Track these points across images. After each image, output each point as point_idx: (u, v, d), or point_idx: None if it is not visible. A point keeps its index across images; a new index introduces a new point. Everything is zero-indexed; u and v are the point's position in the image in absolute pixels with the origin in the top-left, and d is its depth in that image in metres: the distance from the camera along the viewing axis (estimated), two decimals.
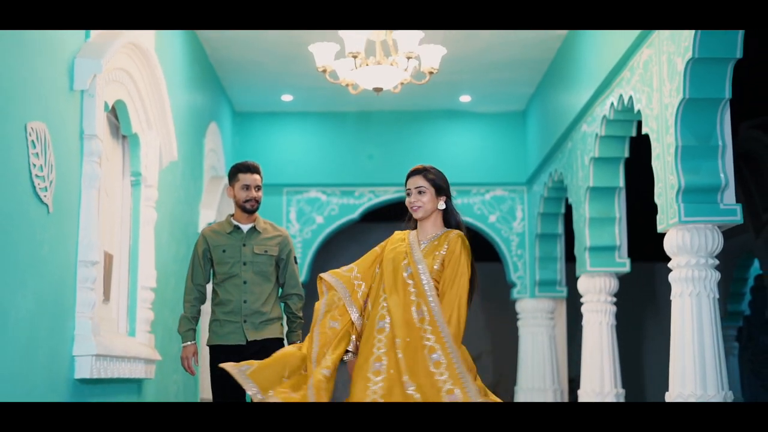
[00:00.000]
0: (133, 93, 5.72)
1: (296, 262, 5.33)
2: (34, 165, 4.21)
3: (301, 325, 5.25)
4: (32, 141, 4.18)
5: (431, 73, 6.27)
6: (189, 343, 5.13)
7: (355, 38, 5.99)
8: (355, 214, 10.36)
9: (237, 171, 5.23)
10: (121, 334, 5.87)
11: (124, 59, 5.44)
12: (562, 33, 8.13)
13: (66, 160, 4.67)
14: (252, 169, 5.22)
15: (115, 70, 5.30)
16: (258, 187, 5.21)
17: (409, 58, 6.06)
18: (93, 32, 5.03)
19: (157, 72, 5.94)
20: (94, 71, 4.80)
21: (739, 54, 5.12)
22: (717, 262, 5.40)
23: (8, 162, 3.97)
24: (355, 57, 6.02)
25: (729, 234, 11.44)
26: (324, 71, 6.31)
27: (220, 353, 5.07)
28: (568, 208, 9.27)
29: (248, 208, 5.18)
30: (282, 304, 5.29)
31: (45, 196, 4.35)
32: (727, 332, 12.84)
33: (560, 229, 9.70)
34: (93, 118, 4.91)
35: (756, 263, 12.21)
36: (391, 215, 9.82)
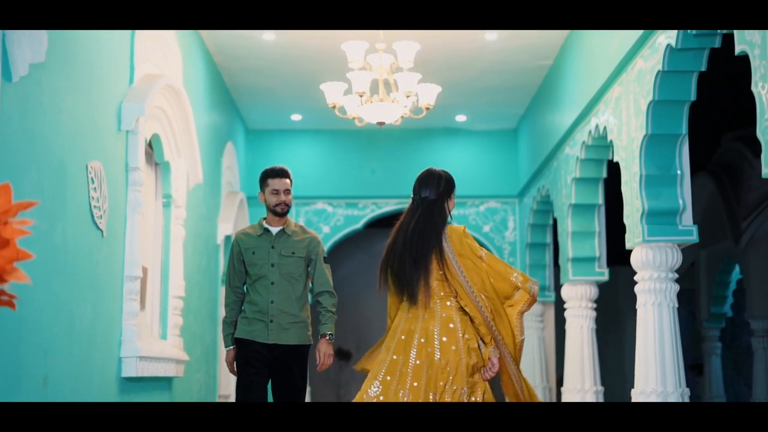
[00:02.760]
0: (166, 127, 6.52)
1: (326, 262, 5.41)
2: (93, 197, 5.02)
3: (332, 319, 5.30)
4: (91, 178, 4.99)
5: (428, 108, 7.10)
6: (231, 347, 5.34)
7: (361, 78, 6.80)
8: (359, 224, 11.16)
9: (266, 176, 5.37)
10: (155, 338, 6.67)
11: (160, 98, 6.23)
12: (549, 62, 8.92)
13: (114, 190, 5.48)
14: (281, 173, 5.35)
15: (152, 108, 6.09)
16: (287, 191, 5.34)
17: (408, 96, 6.87)
18: (136, 77, 5.84)
19: (187, 108, 6.74)
20: (138, 114, 5.60)
21: (693, 97, 5.90)
22: (677, 275, 6.19)
23: (74, 197, 4.78)
24: (361, 96, 6.83)
25: (712, 241, 12.30)
26: (334, 107, 7.13)
27: (246, 346, 5.26)
28: (556, 220, 10.07)
29: (279, 212, 5.37)
30: (314, 302, 5.40)
31: (100, 222, 5.16)
32: (710, 333, 13.59)
33: (548, 239, 10.50)
34: (136, 153, 5.71)
35: (737, 268, 12.96)
36: (393, 224, 10.64)
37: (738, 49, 4.59)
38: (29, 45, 3.91)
